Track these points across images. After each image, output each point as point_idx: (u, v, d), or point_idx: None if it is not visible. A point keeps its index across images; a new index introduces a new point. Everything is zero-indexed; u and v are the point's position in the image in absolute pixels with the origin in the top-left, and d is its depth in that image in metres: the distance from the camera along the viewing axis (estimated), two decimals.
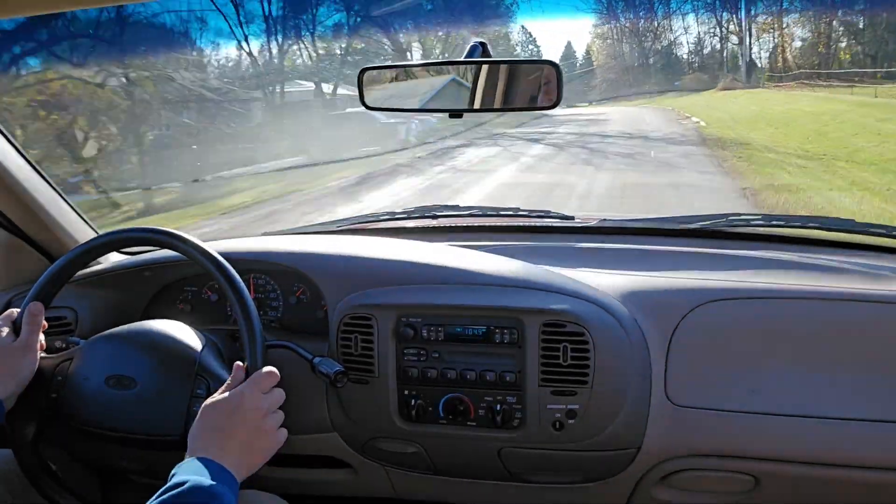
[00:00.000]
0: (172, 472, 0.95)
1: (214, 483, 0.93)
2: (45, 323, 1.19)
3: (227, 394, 1.07)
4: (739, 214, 1.63)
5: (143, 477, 1.40)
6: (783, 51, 34.93)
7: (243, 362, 1.13)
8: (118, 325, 1.25)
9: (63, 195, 1.58)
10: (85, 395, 1.14)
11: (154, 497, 0.89)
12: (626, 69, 40.65)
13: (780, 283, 1.31)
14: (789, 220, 1.62)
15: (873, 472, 1.21)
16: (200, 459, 0.97)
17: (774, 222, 1.60)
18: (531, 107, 1.25)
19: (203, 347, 1.21)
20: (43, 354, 1.21)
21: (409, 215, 1.80)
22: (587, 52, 44.26)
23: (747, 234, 1.56)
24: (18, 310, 1.20)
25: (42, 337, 1.19)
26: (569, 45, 45.35)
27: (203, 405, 1.06)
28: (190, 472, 0.94)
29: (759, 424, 1.21)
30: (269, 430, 1.09)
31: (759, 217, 1.62)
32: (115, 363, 1.16)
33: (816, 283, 1.31)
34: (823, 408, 1.20)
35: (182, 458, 0.98)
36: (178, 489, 0.90)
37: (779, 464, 1.23)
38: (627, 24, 40.84)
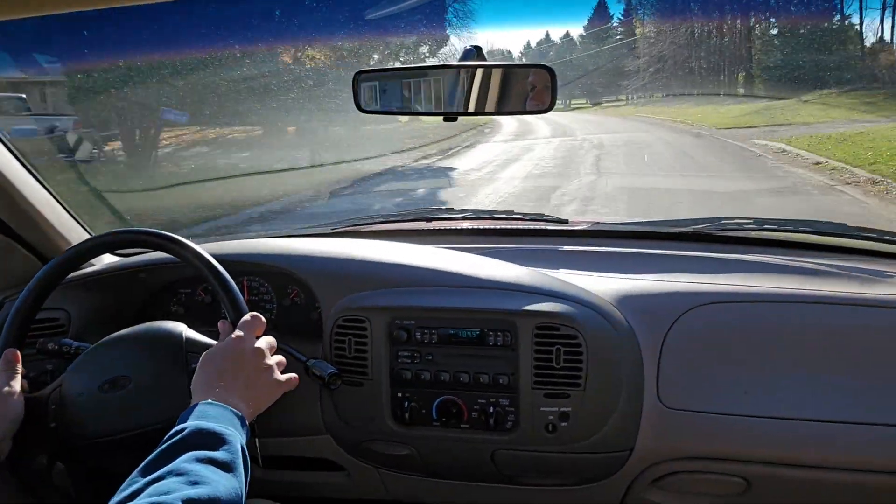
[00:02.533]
0: (177, 421, 0.92)
1: (218, 424, 0.90)
2: (22, 369, 1.16)
3: (222, 343, 1.08)
4: (732, 218, 1.64)
5: None
6: None
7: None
8: (111, 327, 1.25)
9: (57, 196, 1.58)
10: (84, 410, 1.13)
11: (157, 448, 0.87)
12: (690, 42, 20.00)
13: (771, 286, 1.32)
14: (781, 224, 1.63)
15: (864, 475, 1.22)
16: (202, 404, 0.95)
17: (766, 226, 1.61)
18: (525, 110, 1.25)
19: (185, 328, 1.20)
20: (29, 394, 1.16)
21: (403, 218, 1.80)
22: (627, 13, 27.08)
23: (739, 237, 1.56)
24: None
25: (24, 382, 1.15)
26: (601, 6, 28.36)
27: (201, 358, 1.06)
28: (191, 418, 0.91)
29: (750, 427, 1.22)
30: (272, 369, 1.08)
31: (751, 221, 1.63)
32: (103, 370, 1.15)
33: (808, 286, 1.32)
34: (815, 411, 1.21)
35: None
36: (179, 435, 0.87)
37: (770, 466, 1.24)
38: None
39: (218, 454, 0.86)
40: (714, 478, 1.28)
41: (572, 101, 30.33)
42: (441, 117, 1.29)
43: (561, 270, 1.43)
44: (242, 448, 0.91)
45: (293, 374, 1.12)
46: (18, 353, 1.15)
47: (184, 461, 0.83)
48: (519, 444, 1.27)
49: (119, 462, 1.18)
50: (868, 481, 1.22)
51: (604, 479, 1.31)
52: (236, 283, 1.19)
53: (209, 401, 0.96)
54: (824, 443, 1.20)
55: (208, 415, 0.92)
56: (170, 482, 0.79)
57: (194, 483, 0.79)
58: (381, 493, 1.48)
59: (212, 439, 0.88)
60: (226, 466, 0.85)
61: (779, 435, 1.21)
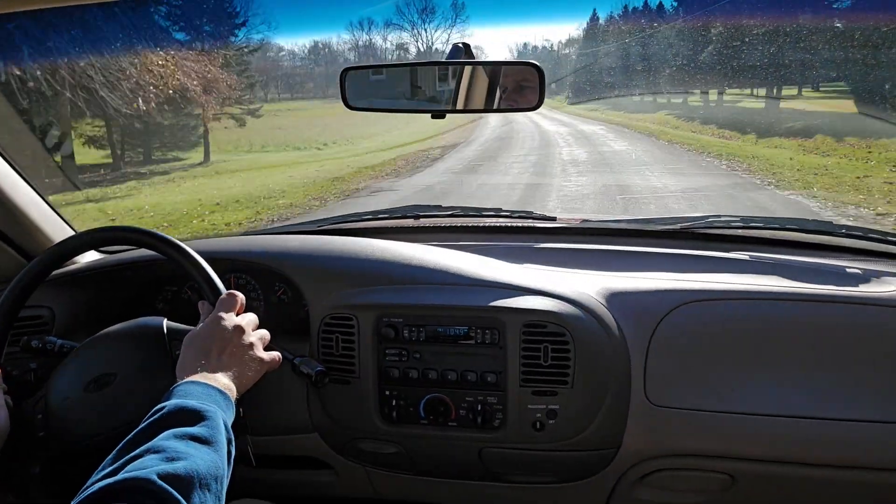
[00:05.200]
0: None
1: (197, 401, 0.89)
2: (4, 386, 1.13)
3: (201, 324, 1.08)
4: (719, 216, 1.64)
5: None
6: None
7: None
8: (95, 325, 1.24)
9: (41, 193, 1.56)
10: (71, 414, 1.11)
11: (135, 429, 0.85)
12: None
13: (758, 283, 1.33)
14: (768, 222, 1.64)
15: (848, 472, 1.23)
16: (183, 383, 0.94)
17: (753, 224, 1.62)
18: (513, 108, 1.25)
19: (165, 319, 1.19)
20: (13, 407, 1.13)
21: (390, 215, 1.80)
22: None
23: (726, 235, 1.57)
24: None
25: (7, 397, 1.12)
26: None
27: (183, 340, 1.06)
28: (172, 397, 0.90)
29: (736, 424, 1.23)
30: (255, 345, 1.08)
31: (738, 219, 1.64)
32: (86, 370, 1.13)
33: (794, 284, 1.33)
34: (800, 407, 1.22)
35: None
36: (158, 414, 0.86)
37: (754, 463, 1.25)
38: None
39: (197, 430, 0.85)
40: (699, 474, 1.29)
41: (725, 93, 18.90)
42: (429, 114, 1.28)
43: (549, 268, 1.43)
44: (225, 423, 0.89)
45: (276, 353, 1.12)
46: None
47: (162, 439, 0.82)
48: (506, 441, 1.27)
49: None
50: (851, 478, 1.23)
51: (591, 477, 1.32)
52: (223, 281, 1.18)
53: (190, 379, 0.95)
54: (808, 439, 1.21)
55: (188, 393, 0.92)
56: (146, 459, 0.78)
57: (171, 459, 0.78)
58: (368, 491, 1.48)
59: (191, 416, 0.87)
60: (206, 441, 0.84)
61: (763, 432, 1.22)
